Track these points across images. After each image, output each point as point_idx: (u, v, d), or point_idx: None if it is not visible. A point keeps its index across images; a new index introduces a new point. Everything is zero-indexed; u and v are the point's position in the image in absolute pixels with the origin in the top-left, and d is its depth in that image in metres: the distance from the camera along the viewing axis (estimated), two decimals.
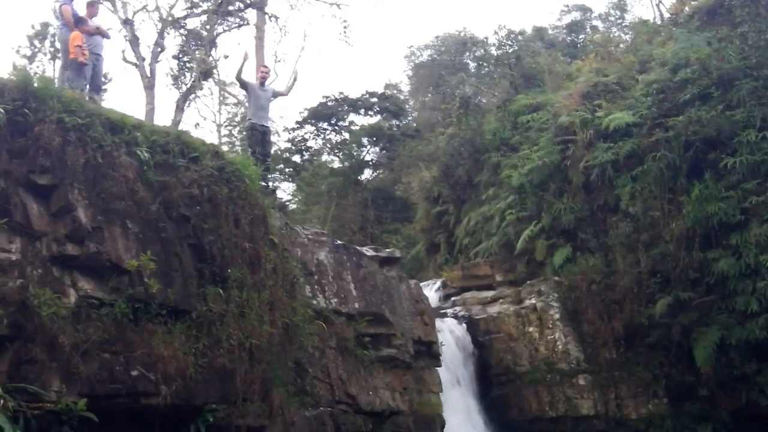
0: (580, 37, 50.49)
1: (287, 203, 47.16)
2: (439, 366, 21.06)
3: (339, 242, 18.96)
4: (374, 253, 19.80)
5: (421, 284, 28.35)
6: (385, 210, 47.04)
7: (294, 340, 15.58)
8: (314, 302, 17.00)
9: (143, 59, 32.35)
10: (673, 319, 21.70)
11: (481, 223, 28.38)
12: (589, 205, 24.38)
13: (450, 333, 23.89)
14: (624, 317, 22.49)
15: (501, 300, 24.81)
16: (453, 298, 26.26)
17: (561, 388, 22.97)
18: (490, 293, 25.45)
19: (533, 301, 23.82)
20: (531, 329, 23.58)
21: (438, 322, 24.15)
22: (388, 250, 20.71)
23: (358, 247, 19.77)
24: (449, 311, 25.37)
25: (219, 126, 49.47)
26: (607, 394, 22.63)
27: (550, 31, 52.35)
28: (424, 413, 19.46)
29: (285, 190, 51.12)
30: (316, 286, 17.38)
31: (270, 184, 21.70)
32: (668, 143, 22.74)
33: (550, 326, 23.35)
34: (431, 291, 27.98)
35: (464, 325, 24.35)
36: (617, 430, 22.47)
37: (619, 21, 55.03)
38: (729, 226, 21.39)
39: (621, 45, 37.20)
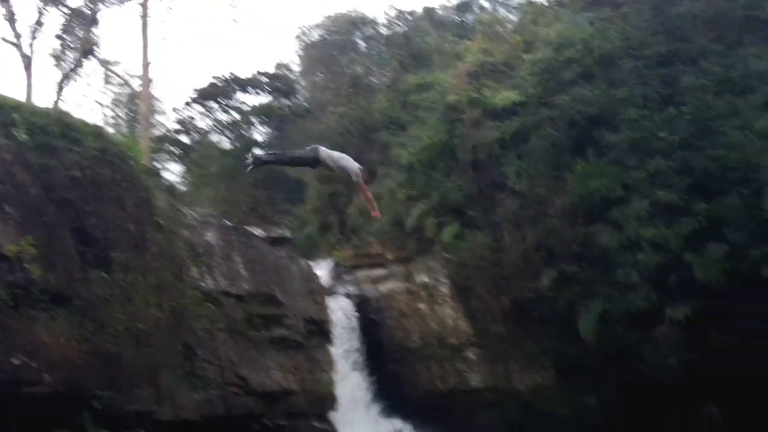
0: (469, 17, 50.82)
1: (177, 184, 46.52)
2: (331, 345, 21.09)
3: (228, 223, 18.80)
4: (264, 234, 19.72)
5: (314, 264, 28.51)
6: (276, 191, 46.57)
7: (182, 323, 15.47)
8: (203, 284, 16.87)
9: (21, 37, 31.16)
10: (559, 292, 22.23)
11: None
12: (476, 182, 24.62)
13: (342, 312, 23.98)
14: (512, 292, 22.94)
15: (392, 278, 24.98)
16: (345, 277, 26.28)
17: (452, 362, 23.38)
18: (381, 271, 25.58)
19: (423, 278, 24.09)
20: (421, 306, 23.87)
21: (330, 302, 24.24)
22: (278, 230, 20.67)
23: (248, 228, 19.66)
24: (341, 290, 25.42)
25: (103, 107, 48.09)
26: (497, 368, 23.13)
27: (440, 12, 52.52)
28: (316, 392, 19.55)
29: (174, 172, 50.14)
30: (204, 268, 17.22)
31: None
32: (553, 121, 23.22)
33: (440, 302, 23.67)
34: (324, 270, 27.99)
35: (356, 303, 24.44)
36: (507, 402, 23.00)
37: (506, 1, 55.60)
38: (611, 202, 21.95)
39: (508, 25, 37.58)
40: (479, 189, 24.56)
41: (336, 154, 10.35)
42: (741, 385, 21.54)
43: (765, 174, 19.72)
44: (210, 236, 17.68)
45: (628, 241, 21.47)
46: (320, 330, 20.63)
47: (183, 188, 46.81)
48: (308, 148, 10.46)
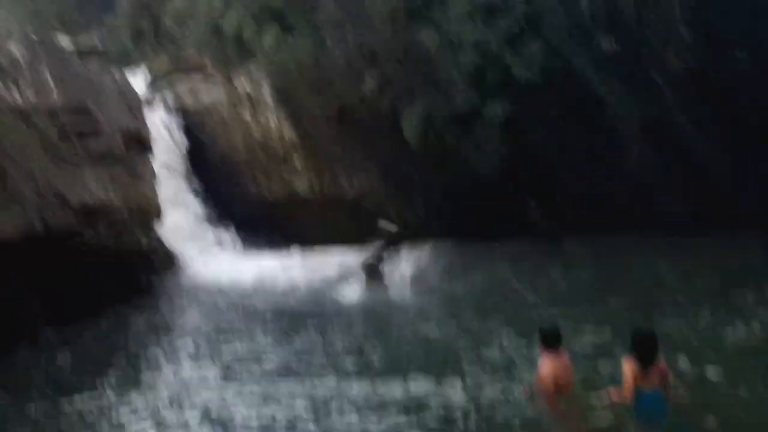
0: None
1: None
2: (153, 156, 20.48)
3: (34, 36, 17.51)
4: (73, 47, 18.52)
5: (129, 75, 27.30)
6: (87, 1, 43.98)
7: None
8: (8, 99, 15.75)
9: None
10: (382, 95, 22.18)
11: (187, 6, 27.06)
12: None
13: (162, 123, 23.26)
14: (336, 97, 22.68)
15: (213, 88, 24.20)
16: (161, 88, 25.27)
17: (278, 171, 23.23)
18: (201, 81, 24.69)
19: (245, 86, 23.44)
20: (245, 115, 23.35)
21: (148, 114, 23.40)
22: (88, 42, 19.41)
23: (55, 41, 18.41)
24: (158, 101, 24.51)
25: None
26: (323, 174, 23.12)
27: None
28: (139, 203, 19.02)
29: None
30: (9, 83, 16.06)
31: None
32: None
33: (264, 111, 23.19)
34: (139, 82, 26.86)
35: (176, 114, 23.71)
36: (334, 208, 23.16)
37: None
38: (432, 1, 21.69)
39: None
40: None
41: None
42: (556, 183, 22.53)
43: None
44: (14, 50, 16.43)
45: (451, 43, 21.48)
46: (140, 143, 19.89)
47: None
48: None
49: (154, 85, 26.21)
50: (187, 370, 12.15)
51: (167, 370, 12.30)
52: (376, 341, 12.59)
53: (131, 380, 11.69)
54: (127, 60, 32.95)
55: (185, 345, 13.78)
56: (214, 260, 21.43)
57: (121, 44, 34.16)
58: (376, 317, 14.75)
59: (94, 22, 39.39)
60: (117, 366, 12.59)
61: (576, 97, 21.51)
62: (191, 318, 16.18)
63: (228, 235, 22.86)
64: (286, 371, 11.48)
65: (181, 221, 22.09)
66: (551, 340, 8.50)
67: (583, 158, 22.03)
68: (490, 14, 21.07)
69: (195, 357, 12.92)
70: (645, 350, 7.64)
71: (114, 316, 16.18)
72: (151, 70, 26.63)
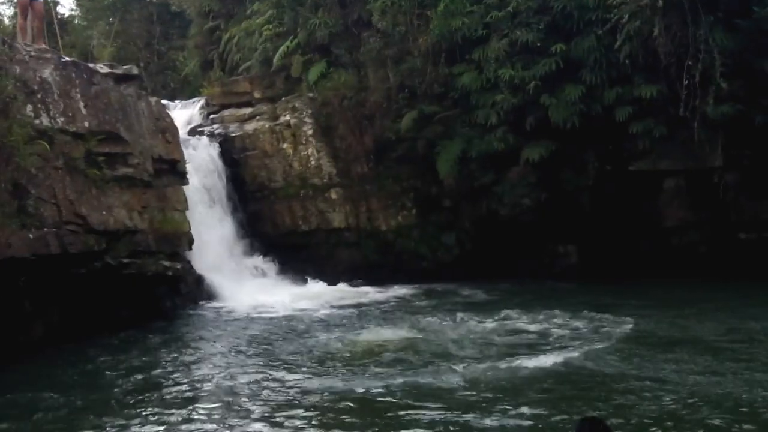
0: None
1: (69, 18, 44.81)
2: (186, 184, 20.83)
3: (67, 59, 17.99)
4: (109, 70, 19.02)
5: (187, 102, 28.01)
6: (171, 26, 45.30)
7: (10, 160, 14.95)
8: (36, 122, 16.21)
9: None
10: (419, 133, 22.36)
11: (243, 39, 27.75)
12: (343, 20, 24.19)
13: (205, 151, 23.74)
14: (374, 132, 22.98)
15: (258, 117, 24.68)
16: (212, 116, 25.91)
17: (314, 202, 23.45)
18: (248, 110, 25.26)
19: (287, 117, 23.82)
20: (285, 145, 23.70)
21: (194, 140, 23.94)
22: (125, 66, 19.90)
23: (90, 65, 18.93)
24: (206, 129, 25.09)
25: None
26: (359, 207, 23.31)
27: None
28: (166, 231, 19.34)
29: (64, 5, 48.19)
30: (39, 105, 16.54)
31: None
32: None
33: (304, 142, 23.52)
34: (195, 109, 27.55)
35: (219, 143, 24.18)
36: (368, 241, 23.30)
37: None
38: (472, 41, 21.81)
39: None
40: (345, 26, 24.14)
41: None
42: (594, 226, 22.27)
43: (619, 14, 19.67)
44: (46, 72, 16.92)
45: (488, 83, 21.51)
46: (172, 169, 20.28)
47: (76, 22, 45.30)
48: None
49: (208, 113, 26.88)
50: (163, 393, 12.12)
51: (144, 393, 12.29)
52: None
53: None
54: (192, 88, 33.98)
55: (178, 373, 13.69)
56: (248, 289, 21.56)
57: (190, 71, 35.29)
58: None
59: (178, 50, 40.66)
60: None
61: (614, 140, 21.39)
62: (202, 345, 16.16)
63: (263, 265, 23.08)
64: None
65: (216, 249, 22.35)
66: None
67: (618, 205, 21.80)
68: (528, 54, 21.03)
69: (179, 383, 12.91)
70: None
71: (122, 339, 16.37)
72: (204, 98, 27.32)
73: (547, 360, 12.52)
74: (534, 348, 13.62)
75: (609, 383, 11.06)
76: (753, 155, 20.57)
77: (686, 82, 19.72)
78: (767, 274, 19.45)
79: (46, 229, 15.79)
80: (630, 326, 14.95)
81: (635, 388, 10.70)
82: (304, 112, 23.58)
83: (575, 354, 12.84)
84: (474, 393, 10.92)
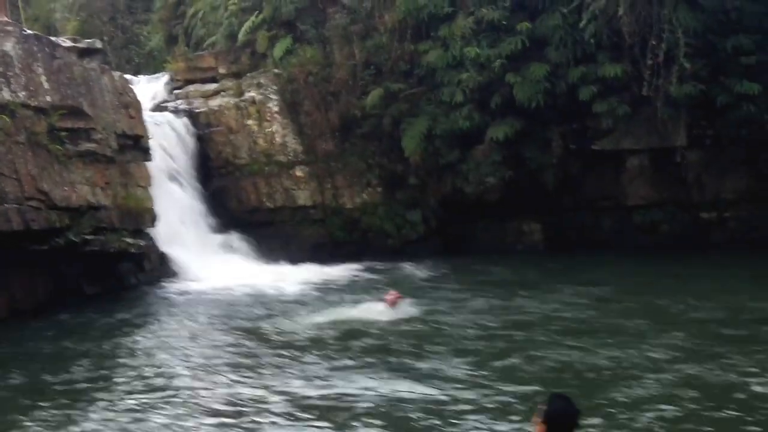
0: None
1: None
2: (149, 160, 20.65)
3: (29, 32, 17.75)
4: (72, 44, 18.81)
5: (152, 77, 27.67)
6: (136, 0, 44.77)
7: None
8: None
9: None
10: (385, 110, 22.30)
11: (208, 14, 27.44)
12: None
13: (169, 126, 23.50)
14: (339, 109, 22.89)
15: (223, 93, 24.42)
16: (176, 92, 25.62)
17: (279, 179, 23.32)
18: (213, 86, 24.93)
19: (252, 93, 23.61)
20: (250, 122, 23.51)
21: (158, 116, 23.68)
22: (88, 41, 19.69)
23: (53, 38, 18.69)
24: (171, 105, 24.82)
25: None
26: (324, 185, 23.21)
27: None
28: (130, 207, 19.20)
29: None
30: (0, 79, 16.33)
31: None
32: None
33: (269, 119, 23.35)
34: (160, 84, 27.20)
35: (184, 118, 23.96)
36: (333, 219, 23.23)
37: None
38: (438, 19, 21.79)
39: None
40: (311, 2, 23.92)
41: None
42: (558, 204, 22.43)
43: None
44: (8, 46, 16.65)
45: (454, 60, 21.51)
46: (136, 145, 20.04)
47: None
48: None
49: (173, 88, 26.56)
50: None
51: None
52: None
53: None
54: (157, 63, 33.60)
55: (136, 355, 13.49)
56: (212, 267, 21.37)
57: (157, 46, 34.88)
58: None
59: (143, 23, 40.15)
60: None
61: (577, 119, 21.51)
62: (163, 325, 15.97)
63: (228, 243, 22.92)
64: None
65: (180, 226, 22.18)
66: None
67: (582, 183, 22.00)
68: (494, 33, 21.06)
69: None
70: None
71: (84, 316, 16.25)
72: (169, 73, 26.98)
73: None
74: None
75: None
76: (715, 135, 20.79)
77: (650, 62, 19.90)
78: (727, 252, 19.81)
79: (7, 205, 15.64)
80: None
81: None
82: (269, 89, 23.40)
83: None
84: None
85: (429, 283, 18.55)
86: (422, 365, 11.38)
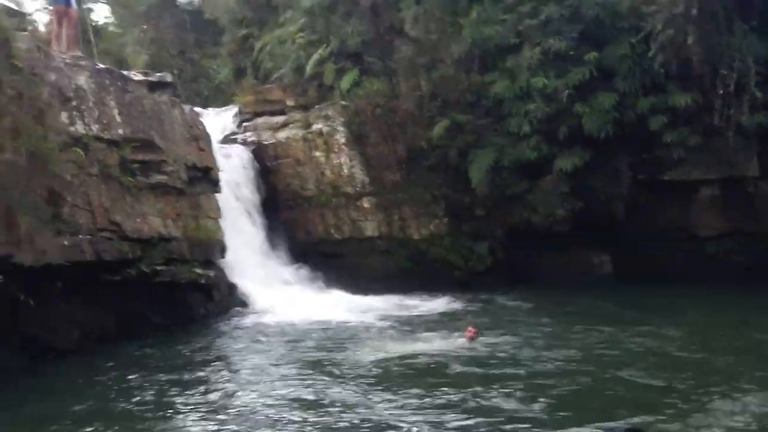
0: None
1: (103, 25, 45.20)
2: (219, 192, 20.94)
3: (101, 66, 18.18)
4: (143, 78, 19.20)
5: (220, 110, 28.14)
6: (204, 34, 45.51)
7: (44, 168, 15.06)
8: (72, 129, 16.36)
9: None
10: (451, 141, 22.30)
11: (276, 47, 27.85)
12: (375, 28, 24.26)
13: (238, 158, 23.84)
14: (406, 140, 22.97)
15: (290, 125, 24.74)
16: (245, 124, 26.01)
17: (346, 211, 23.46)
18: (281, 118, 25.29)
19: (320, 125, 23.86)
20: (318, 154, 23.71)
21: (227, 148, 24.05)
22: (159, 74, 20.08)
23: (124, 72, 19.11)
24: (239, 137, 25.20)
25: None
26: (391, 216, 23.27)
27: None
28: (200, 238, 19.43)
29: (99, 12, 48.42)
30: (75, 113, 16.71)
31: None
32: None
33: (336, 150, 23.54)
34: (228, 117, 27.63)
35: (252, 151, 24.28)
36: (400, 250, 23.25)
37: None
38: (504, 50, 21.80)
39: None
40: (378, 34, 24.18)
41: None
42: (628, 235, 22.16)
43: (652, 23, 19.59)
44: (81, 80, 17.09)
45: (520, 91, 21.47)
46: (206, 177, 20.36)
47: (111, 29, 45.67)
48: None
49: (241, 121, 26.96)
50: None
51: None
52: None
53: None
54: (225, 96, 34.13)
55: (208, 382, 13.59)
56: (280, 298, 21.48)
57: (223, 79, 35.47)
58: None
59: (212, 57, 40.86)
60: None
61: (648, 150, 21.28)
62: (234, 355, 16.05)
63: (295, 274, 23.08)
64: None
65: (249, 257, 22.39)
66: None
67: (652, 214, 21.72)
68: (562, 63, 20.99)
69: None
70: None
71: (154, 346, 16.41)
72: (238, 106, 27.42)
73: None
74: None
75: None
76: None
77: (720, 91, 19.62)
78: None
79: (80, 237, 15.94)
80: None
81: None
82: (337, 120, 23.61)
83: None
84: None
85: (508, 316, 18.06)
86: (507, 405, 10.73)
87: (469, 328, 14.78)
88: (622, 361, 12.94)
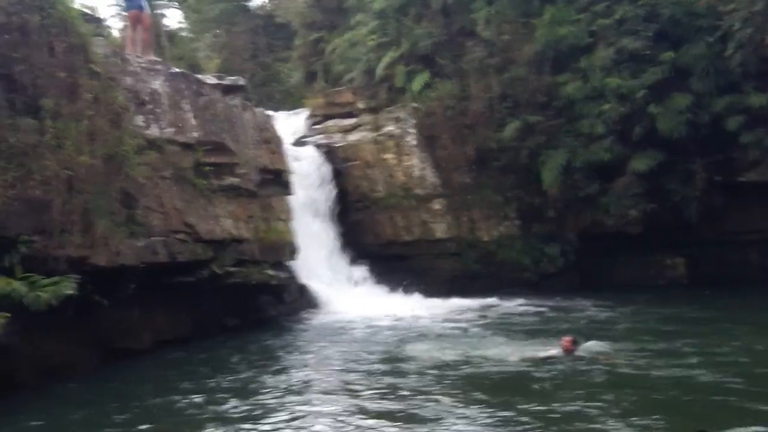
0: None
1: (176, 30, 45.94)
2: (290, 194, 21.07)
3: (176, 70, 18.37)
4: (216, 81, 19.35)
5: (291, 113, 28.32)
6: (276, 37, 45.92)
7: (119, 170, 15.28)
8: (147, 132, 16.58)
9: None
10: (522, 142, 22.11)
11: (346, 50, 27.93)
12: (446, 29, 24.15)
13: (308, 161, 23.95)
14: (476, 142, 22.81)
15: (361, 127, 24.81)
16: (315, 127, 26.15)
17: (417, 213, 23.43)
18: (351, 121, 25.40)
19: (391, 128, 23.88)
20: (388, 156, 23.76)
21: (298, 151, 24.17)
22: (231, 78, 20.22)
23: (198, 76, 19.30)
24: (310, 140, 25.32)
25: None
26: (461, 218, 23.17)
27: None
28: (271, 240, 19.57)
29: (172, 17, 49.27)
30: (150, 116, 16.94)
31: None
32: None
33: (407, 152, 23.55)
34: (299, 120, 27.81)
35: (323, 153, 24.37)
36: (469, 252, 23.14)
37: None
38: (578, 50, 21.55)
39: None
40: (449, 36, 24.08)
41: None
42: (702, 237, 21.72)
43: (730, 21, 19.15)
44: (156, 84, 17.31)
45: (594, 92, 21.19)
46: (277, 179, 20.52)
47: (183, 34, 46.38)
48: None
49: (312, 123, 27.12)
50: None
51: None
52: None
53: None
54: (296, 99, 34.35)
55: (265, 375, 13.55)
56: (349, 299, 21.57)
57: (297, 82, 35.70)
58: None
59: (283, 61, 41.19)
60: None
61: (723, 151, 20.84)
62: (306, 356, 15.97)
63: (364, 275, 23.12)
64: None
65: (319, 258, 22.50)
66: None
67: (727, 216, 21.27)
68: (636, 63, 20.66)
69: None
70: None
71: (226, 347, 16.53)
72: (308, 109, 27.58)
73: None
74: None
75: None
76: None
77: None
78: None
79: (154, 238, 16.12)
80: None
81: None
82: (407, 123, 23.61)
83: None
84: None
85: (592, 322, 16.86)
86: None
87: (565, 338, 13.15)
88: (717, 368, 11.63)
